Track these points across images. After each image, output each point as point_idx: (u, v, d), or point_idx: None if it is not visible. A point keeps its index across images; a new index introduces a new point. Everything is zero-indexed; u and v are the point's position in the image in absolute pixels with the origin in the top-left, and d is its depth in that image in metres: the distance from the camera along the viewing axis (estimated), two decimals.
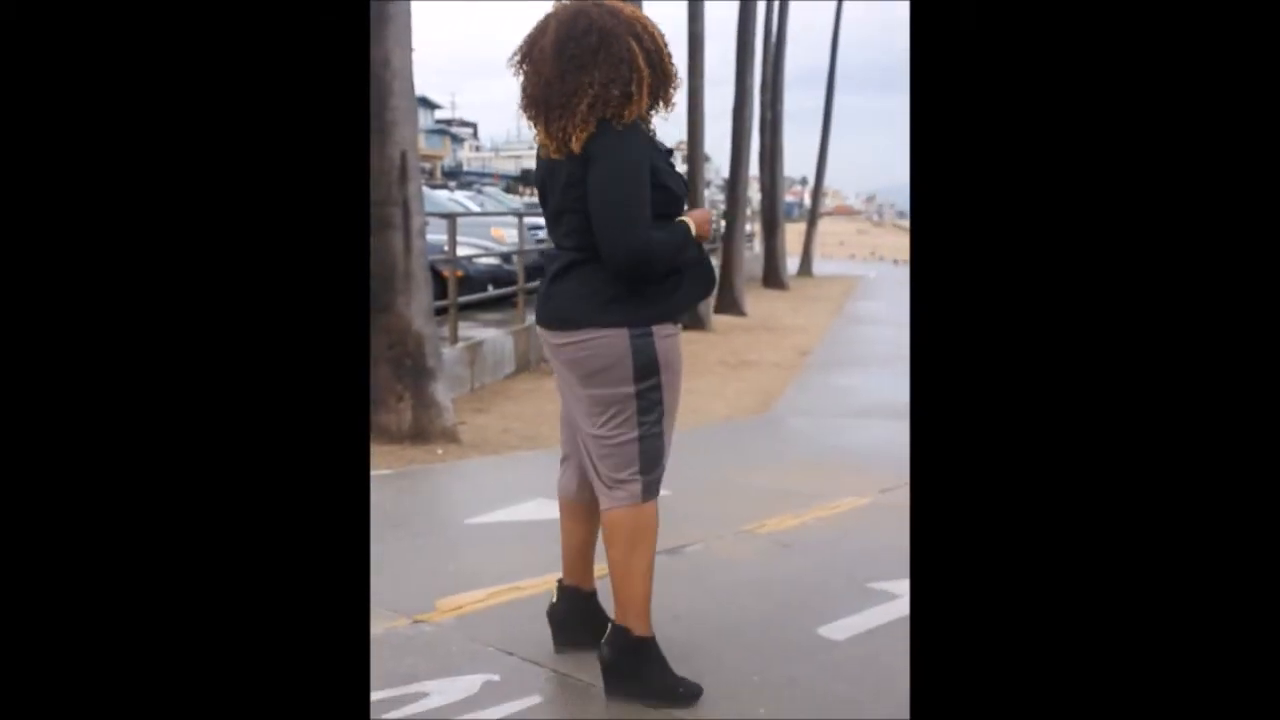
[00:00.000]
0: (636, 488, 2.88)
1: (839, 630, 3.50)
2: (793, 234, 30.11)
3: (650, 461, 2.88)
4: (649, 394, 2.83)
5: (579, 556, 3.21)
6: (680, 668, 3.06)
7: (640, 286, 2.78)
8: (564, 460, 3.19)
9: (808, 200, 30.88)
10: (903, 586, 3.87)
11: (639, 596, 2.92)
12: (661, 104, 2.86)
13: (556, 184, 2.83)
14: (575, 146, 2.72)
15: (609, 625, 3.00)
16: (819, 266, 30.05)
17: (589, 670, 3.13)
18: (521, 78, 2.85)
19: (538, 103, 2.78)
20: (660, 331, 2.83)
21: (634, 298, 2.79)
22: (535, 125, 2.84)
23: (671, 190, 2.82)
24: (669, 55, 2.86)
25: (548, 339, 2.93)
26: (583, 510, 3.16)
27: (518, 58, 2.84)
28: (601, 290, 2.79)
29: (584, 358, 2.82)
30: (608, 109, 2.71)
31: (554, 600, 3.25)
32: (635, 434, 2.85)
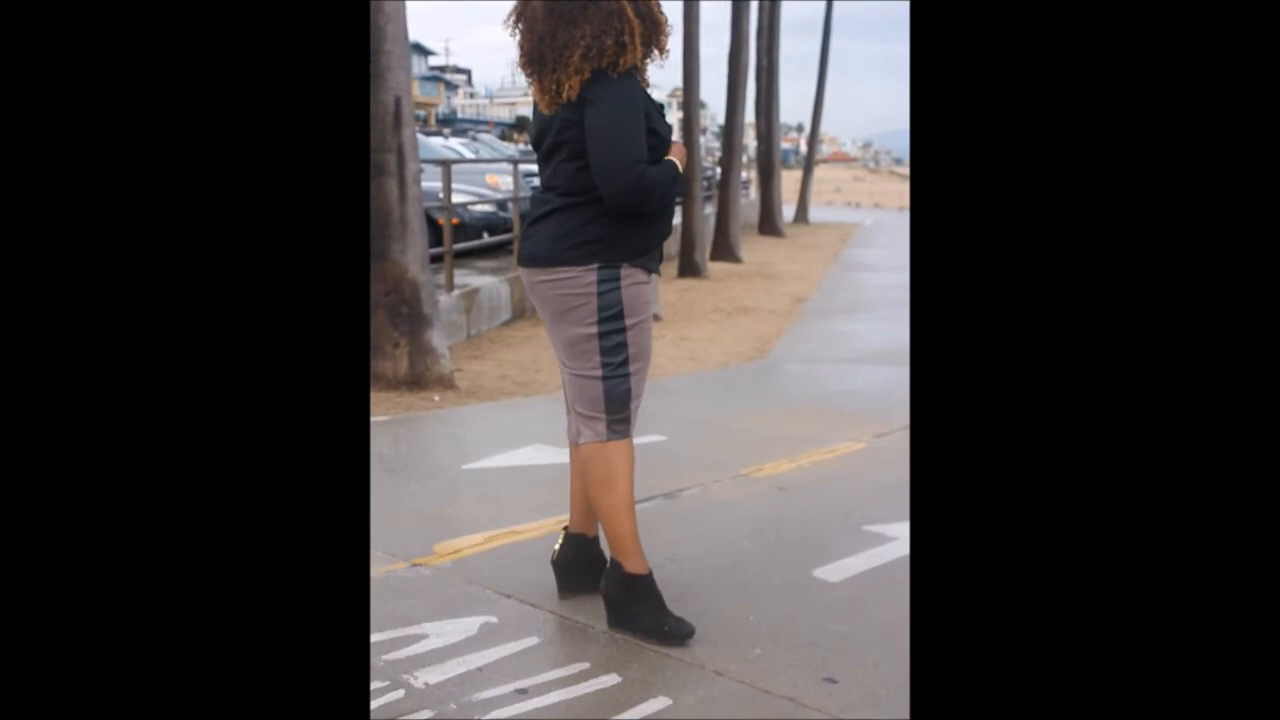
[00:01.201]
0: (601, 426, 2.99)
1: (834, 572, 3.53)
2: (789, 181, 29.99)
3: (615, 403, 2.98)
4: (612, 336, 2.93)
5: (584, 501, 3.25)
6: (677, 608, 3.09)
7: (612, 229, 2.87)
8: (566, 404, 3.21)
9: (804, 147, 30.73)
10: (897, 529, 3.90)
11: (624, 534, 3.01)
12: (655, 51, 2.94)
13: (549, 134, 2.92)
14: (570, 94, 2.80)
15: (609, 561, 3.07)
16: (815, 213, 29.96)
17: (587, 612, 3.17)
18: (517, 36, 2.92)
19: (533, 60, 2.86)
20: (629, 278, 2.91)
21: (604, 239, 2.89)
22: (531, 82, 2.92)
23: (661, 135, 2.90)
24: (657, 3, 2.93)
25: (525, 276, 3.02)
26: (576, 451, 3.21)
27: (512, 18, 2.93)
28: (576, 231, 2.89)
29: (554, 296, 2.94)
30: (603, 59, 2.77)
31: (559, 546, 3.29)
32: (599, 374, 2.95)
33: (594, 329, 2.92)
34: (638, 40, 2.81)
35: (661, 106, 2.99)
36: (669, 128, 2.96)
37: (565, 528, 3.31)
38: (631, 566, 3.02)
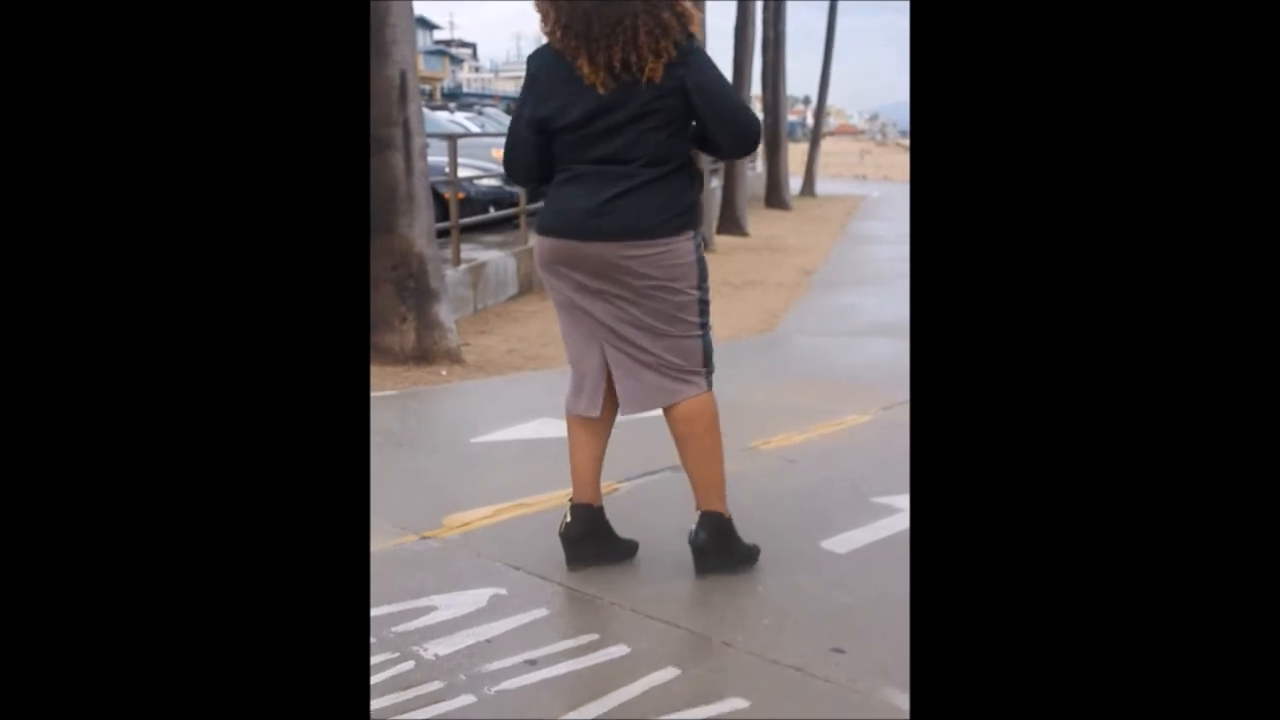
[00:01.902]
0: (702, 379, 3.16)
1: (841, 543, 3.54)
2: (795, 154, 29.90)
3: (710, 355, 3.18)
4: (705, 296, 3.13)
5: (591, 473, 3.29)
6: (687, 581, 3.12)
7: (694, 197, 3.08)
8: (581, 378, 3.23)
9: (810, 120, 30.60)
10: (904, 501, 3.90)
11: (721, 479, 3.22)
12: None
13: (615, 109, 2.93)
14: (654, 76, 2.90)
15: (699, 515, 3.20)
16: (822, 186, 29.88)
17: (596, 583, 3.18)
18: (549, 9, 2.94)
19: (577, 35, 2.89)
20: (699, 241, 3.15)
21: (692, 206, 3.07)
22: (574, 57, 2.91)
23: None
24: None
25: (606, 250, 3.01)
26: (598, 426, 3.27)
27: None
28: (672, 202, 3.02)
29: (659, 266, 3.02)
30: (669, 33, 2.87)
31: (567, 520, 3.30)
32: (699, 333, 3.13)
33: (695, 293, 3.08)
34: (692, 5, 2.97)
35: None
36: None
37: (571, 500, 3.32)
38: (725, 510, 3.23)
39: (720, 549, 3.22)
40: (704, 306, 3.12)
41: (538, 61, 3.06)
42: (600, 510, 3.31)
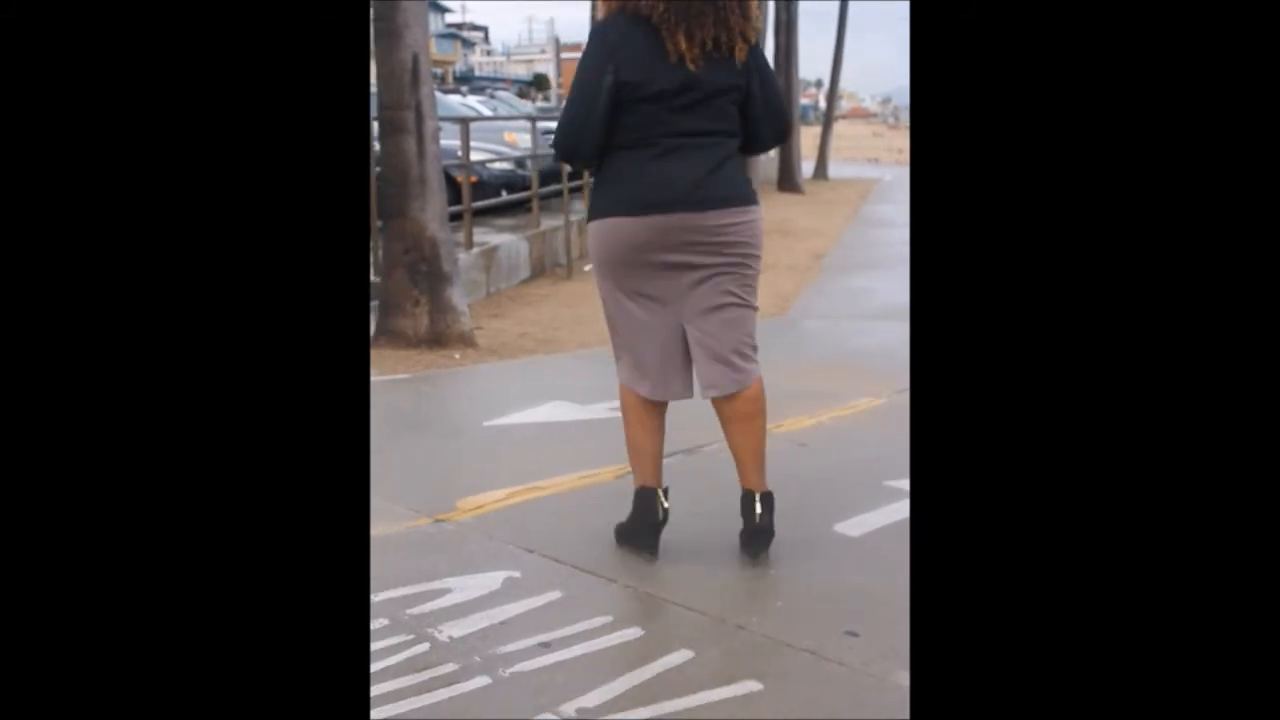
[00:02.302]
0: (757, 357, 3.25)
1: (854, 527, 3.54)
2: (807, 137, 29.79)
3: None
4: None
5: (661, 454, 3.31)
6: (698, 562, 3.13)
7: None
8: (664, 363, 3.20)
9: (823, 103, 30.49)
10: None
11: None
12: None
13: (701, 84, 3.01)
14: (740, 58, 3.04)
15: (758, 497, 3.21)
16: (834, 169, 29.78)
17: (609, 567, 3.19)
18: None
19: (678, 12, 2.96)
20: None
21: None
22: (673, 32, 2.96)
23: None
24: None
25: (715, 218, 3.06)
26: (664, 409, 3.29)
27: None
28: (747, 175, 3.22)
29: (755, 234, 3.15)
30: (750, 20, 3.06)
31: (656, 505, 3.26)
32: (757, 307, 3.25)
33: (760, 262, 3.23)
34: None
35: None
36: None
37: (665, 487, 3.29)
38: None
39: (772, 526, 3.24)
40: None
41: (617, 32, 3.03)
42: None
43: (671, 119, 3.02)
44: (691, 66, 2.97)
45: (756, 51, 3.11)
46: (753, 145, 3.23)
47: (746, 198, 3.12)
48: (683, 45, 2.96)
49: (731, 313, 3.13)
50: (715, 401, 3.20)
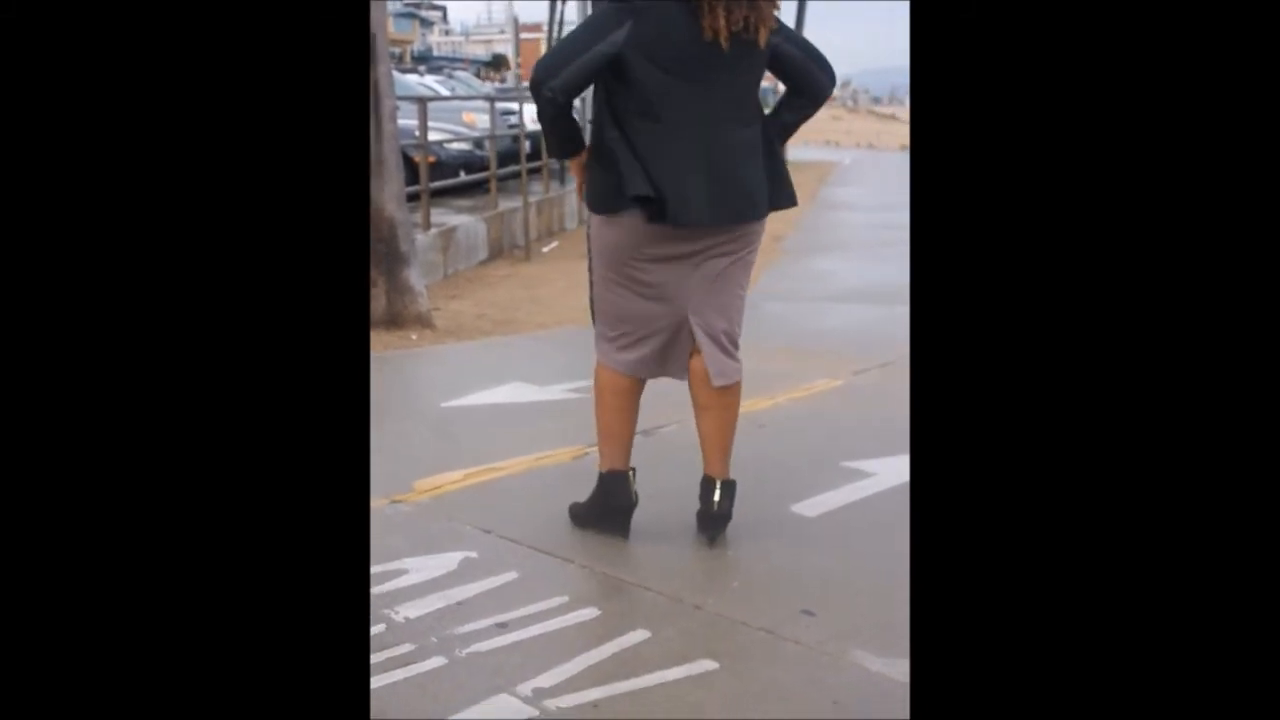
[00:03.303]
0: None
1: (812, 507, 3.56)
2: None
3: None
4: None
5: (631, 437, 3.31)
6: (657, 543, 3.13)
7: None
8: (665, 346, 3.19)
9: (781, 86, 30.44)
10: (875, 465, 3.93)
11: None
12: None
13: (729, 66, 2.95)
14: (762, 42, 2.97)
15: (719, 484, 3.22)
16: (793, 153, 29.75)
17: (566, 547, 3.19)
18: None
19: None
20: None
21: None
22: (710, 11, 2.88)
23: None
24: None
25: (735, 230, 3.08)
26: (640, 393, 3.29)
27: None
28: (763, 164, 3.14)
29: (764, 224, 3.19)
30: (774, 4, 3.02)
31: (627, 487, 3.28)
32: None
33: None
34: None
35: None
36: None
37: (627, 469, 3.28)
38: None
39: (730, 512, 3.25)
40: None
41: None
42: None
43: (688, 96, 2.93)
44: (724, 45, 2.90)
45: (780, 29, 3.06)
46: (818, 94, 3.20)
47: (763, 208, 3.10)
48: (721, 22, 2.88)
49: (738, 304, 3.18)
50: (699, 388, 3.19)
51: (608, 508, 3.28)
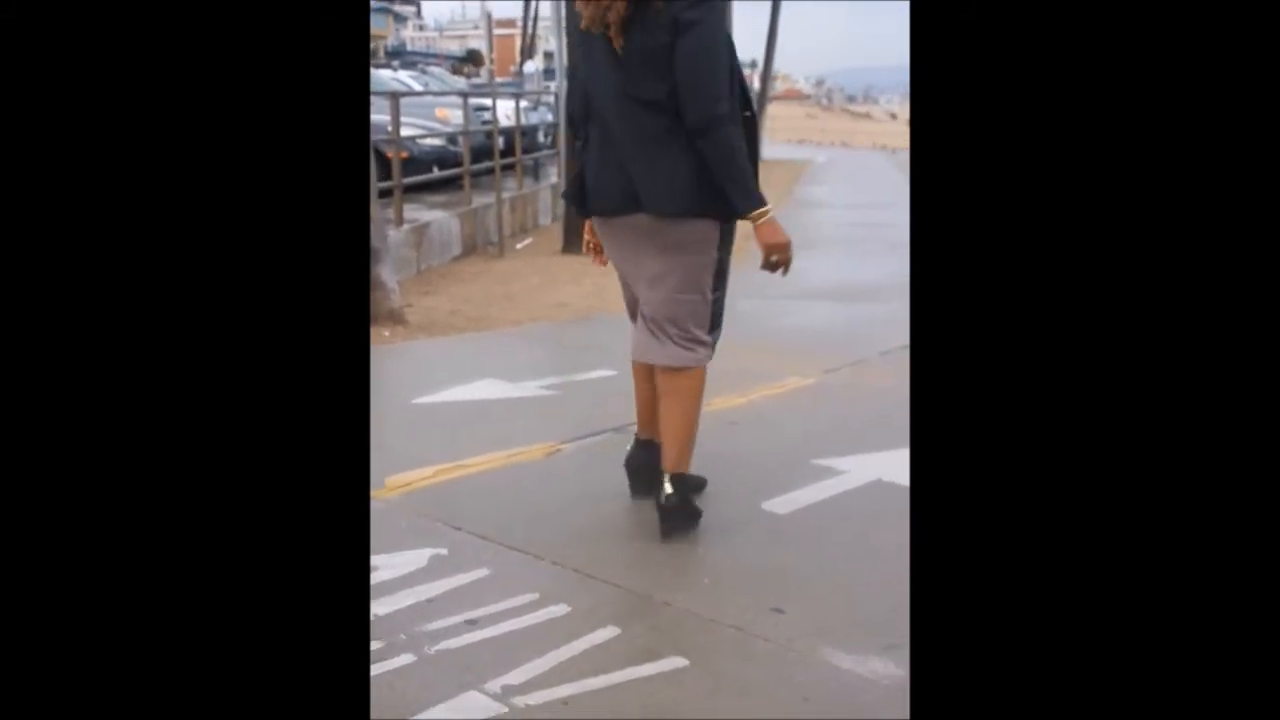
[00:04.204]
0: (709, 348, 3.31)
1: (782, 504, 3.56)
2: None
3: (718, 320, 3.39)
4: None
5: (649, 410, 3.41)
6: (628, 541, 3.13)
7: None
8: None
9: (757, 84, 30.52)
10: (845, 463, 3.94)
11: (693, 441, 3.25)
12: None
13: (616, 55, 3.02)
14: (613, 35, 2.96)
15: (666, 477, 3.21)
16: (768, 151, 29.84)
17: (536, 544, 3.18)
18: None
19: None
20: None
21: None
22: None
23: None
24: None
25: (646, 224, 3.13)
26: (650, 368, 3.33)
27: None
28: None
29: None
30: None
31: (631, 450, 3.46)
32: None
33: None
34: None
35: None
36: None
37: (637, 435, 3.49)
38: (688, 470, 3.26)
39: (687, 507, 3.25)
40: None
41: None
42: (658, 447, 3.31)
43: (602, 86, 3.08)
44: (612, 36, 3.00)
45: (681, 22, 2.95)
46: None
47: (659, 202, 3.09)
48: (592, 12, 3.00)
49: (683, 308, 3.19)
50: (654, 373, 3.26)
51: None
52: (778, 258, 3.15)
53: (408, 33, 72.35)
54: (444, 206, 10.77)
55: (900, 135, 37.64)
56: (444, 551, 3.13)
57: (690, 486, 3.32)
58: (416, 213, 10.02)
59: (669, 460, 3.20)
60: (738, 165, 2.98)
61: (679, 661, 2.52)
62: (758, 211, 3.04)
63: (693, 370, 3.19)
